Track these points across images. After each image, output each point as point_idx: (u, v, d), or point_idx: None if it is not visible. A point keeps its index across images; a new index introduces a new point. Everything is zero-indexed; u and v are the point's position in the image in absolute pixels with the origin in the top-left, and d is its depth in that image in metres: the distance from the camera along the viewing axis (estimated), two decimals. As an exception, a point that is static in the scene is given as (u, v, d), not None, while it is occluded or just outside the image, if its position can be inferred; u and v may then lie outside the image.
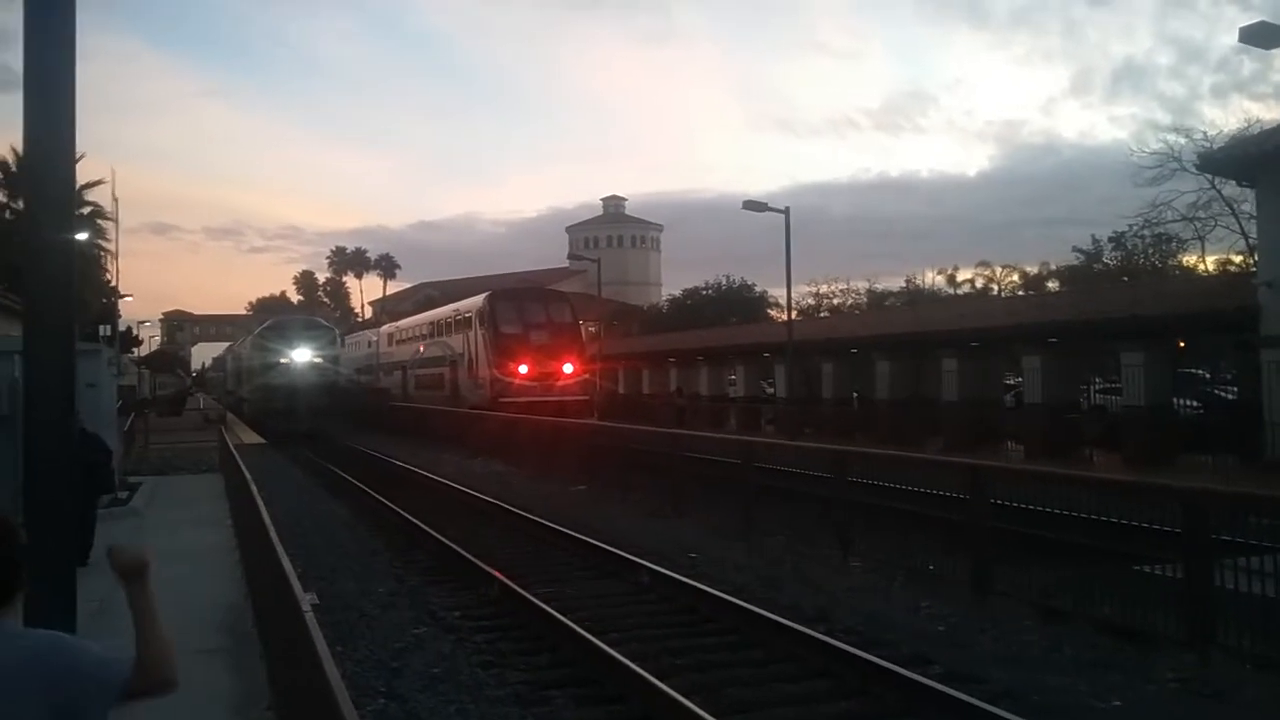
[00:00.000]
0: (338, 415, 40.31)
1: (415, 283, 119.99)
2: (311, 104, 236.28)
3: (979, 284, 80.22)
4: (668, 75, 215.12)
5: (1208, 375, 36.96)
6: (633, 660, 7.73)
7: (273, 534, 7.35)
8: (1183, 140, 37.44)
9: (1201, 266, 45.90)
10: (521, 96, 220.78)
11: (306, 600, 4.84)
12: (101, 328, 42.15)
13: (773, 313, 70.63)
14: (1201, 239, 42.44)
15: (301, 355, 40.35)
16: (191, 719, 6.65)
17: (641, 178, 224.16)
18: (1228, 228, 38.92)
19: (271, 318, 52.50)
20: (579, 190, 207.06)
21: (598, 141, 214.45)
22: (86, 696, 2.28)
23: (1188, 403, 28.86)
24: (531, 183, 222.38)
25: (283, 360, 40.18)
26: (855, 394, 38.49)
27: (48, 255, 6.96)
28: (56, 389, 7.08)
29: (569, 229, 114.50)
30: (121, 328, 54.74)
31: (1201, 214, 39.19)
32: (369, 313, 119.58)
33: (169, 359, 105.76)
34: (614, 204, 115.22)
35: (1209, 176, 34.71)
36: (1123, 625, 8.83)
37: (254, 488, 11.06)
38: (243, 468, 14.35)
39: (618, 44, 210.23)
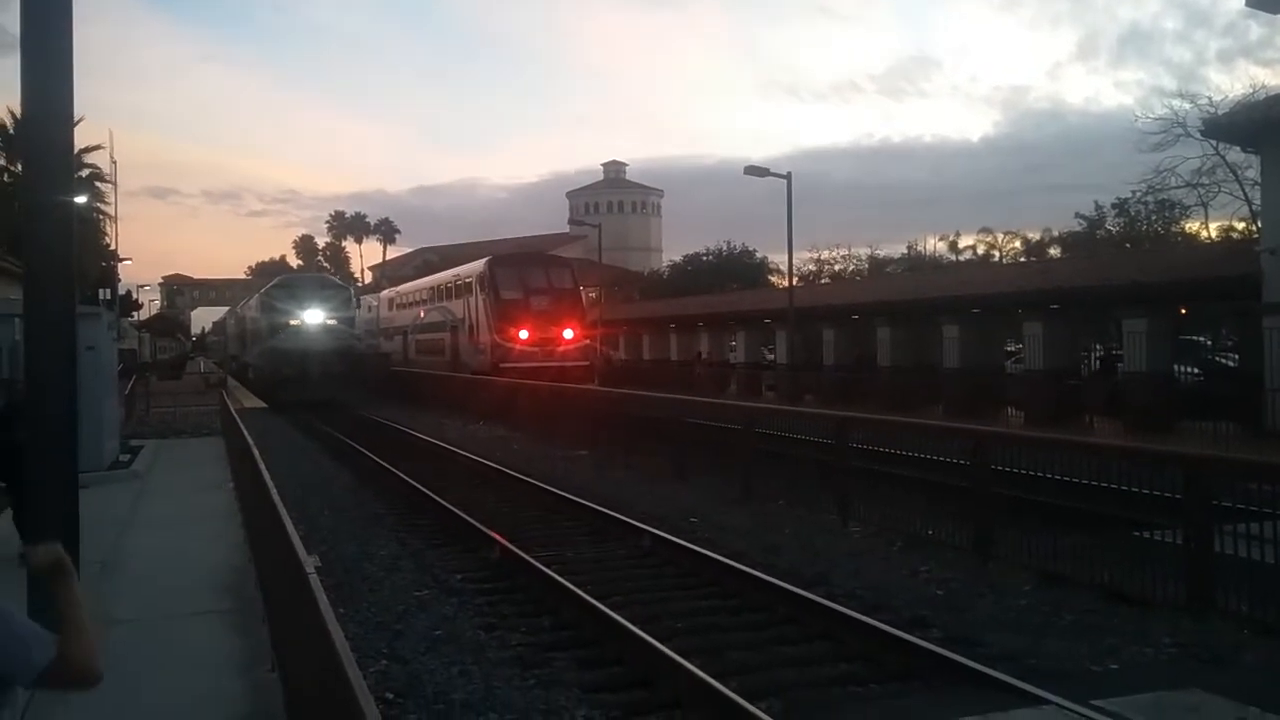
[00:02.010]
0: (355, 384, 36.42)
1: (415, 248, 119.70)
2: (310, 68, 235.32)
3: (981, 250, 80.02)
4: (669, 39, 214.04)
5: (1209, 342, 36.94)
6: (634, 623, 7.77)
7: (275, 497, 7.35)
8: (1188, 106, 37.34)
9: (1205, 233, 45.80)
10: (523, 60, 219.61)
11: (310, 563, 4.84)
12: (101, 291, 42.18)
13: (773, 279, 70.60)
14: (1205, 205, 42.40)
15: (314, 316, 36.73)
16: (197, 680, 6.71)
17: (643, 143, 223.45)
18: (1231, 194, 38.89)
19: (278, 276, 49.26)
20: (580, 155, 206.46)
21: (599, 106, 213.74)
22: (9, 670, 2.22)
23: (1189, 370, 28.84)
24: (532, 148, 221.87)
25: (293, 322, 36.67)
26: (856, 360, 38.48)
27: (46, 218, 6.93)
28: (57, 352, 7.08)
29: (570, 194, 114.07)
30: (121, 291, 54.81)
31: (1205, 180, 39.16)
32: (369, 277, 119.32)
33: (169, 323, 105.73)
34: (615, 169, 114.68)
35: (1213, 143, 34.58)
36: (1122, 590, 8.86)
37: (256, 451, 11.06)
38: (244, 431, 14.36)
39: (619, 7, 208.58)
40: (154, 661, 7.06)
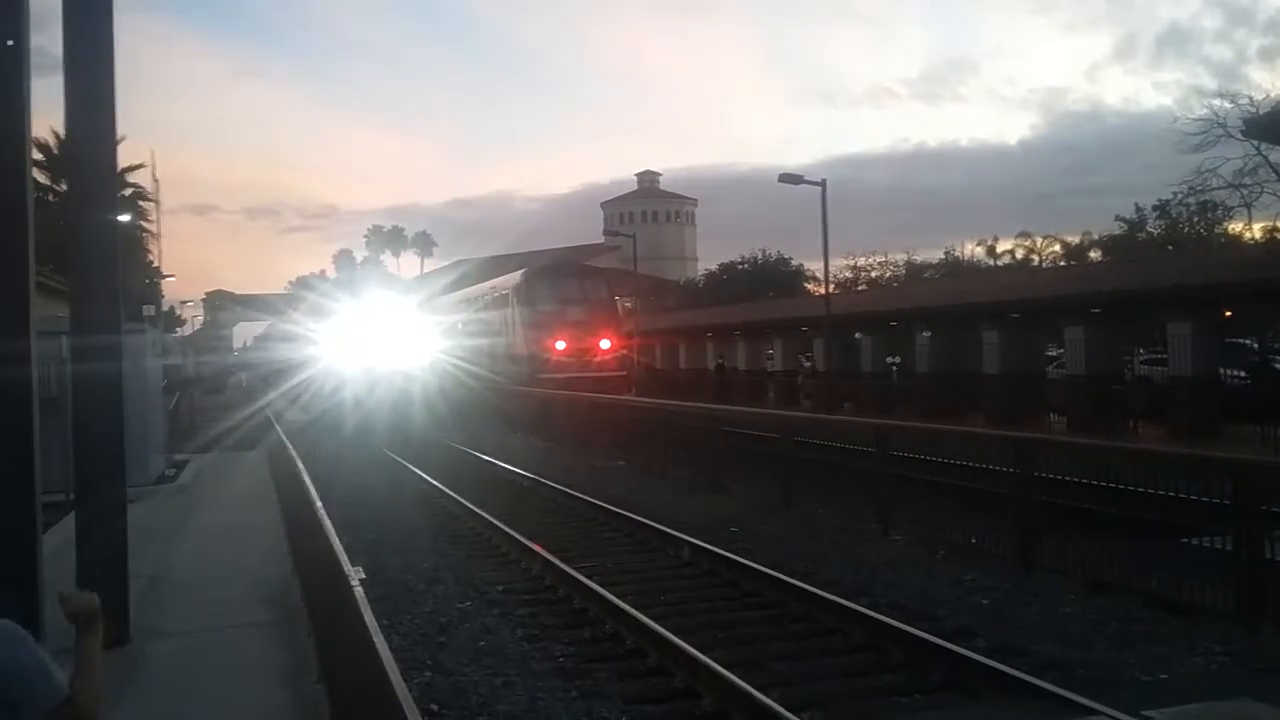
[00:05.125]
0: None
1: (452, 260, 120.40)
2: (344, 83, 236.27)
3: (1019, 255, 79.14)
4: (701, 46, 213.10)
5: (1255, 345, 36.32)
6: (676, 634, 7.75)
7: (320, 509, 7.42)
8: (1229, 105, 36.68)
9: (1248, 234, 45.05)
10: (553, 71, 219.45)
11: (354, 574, 4.88)
12: (145, 307, 42.77)
13: (810, 286, 70.29)
14: (1248, 206, 41.62)
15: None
16: (243, 690, 6.76)
17: (676, 152, 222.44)
18: (1275, 194, 38.17)
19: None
20: (613, 165, 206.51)
21: (632, 116, 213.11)
22: (22, 697, 2.23)
23: (1234, 373, 28.36)
24: (565, 158, 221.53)
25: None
26: (894, 367, 38.20)
27: (91, 237, 7.04)
28: (103, 368, 7.17)
29: (604, 205, 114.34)
30: (165, 307, 55.57)
31: (1248, 180, 38.42)
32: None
33: (212, 338, 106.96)
34: (648, 179, 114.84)
35: (1255, 142, 34.01)
36: (1170, 598, 8.72)
37: (300, 464, 11.17)
38: (288, 444, 14.50)
39: (649, 15, 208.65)
40: (201, 673, 7.13)
